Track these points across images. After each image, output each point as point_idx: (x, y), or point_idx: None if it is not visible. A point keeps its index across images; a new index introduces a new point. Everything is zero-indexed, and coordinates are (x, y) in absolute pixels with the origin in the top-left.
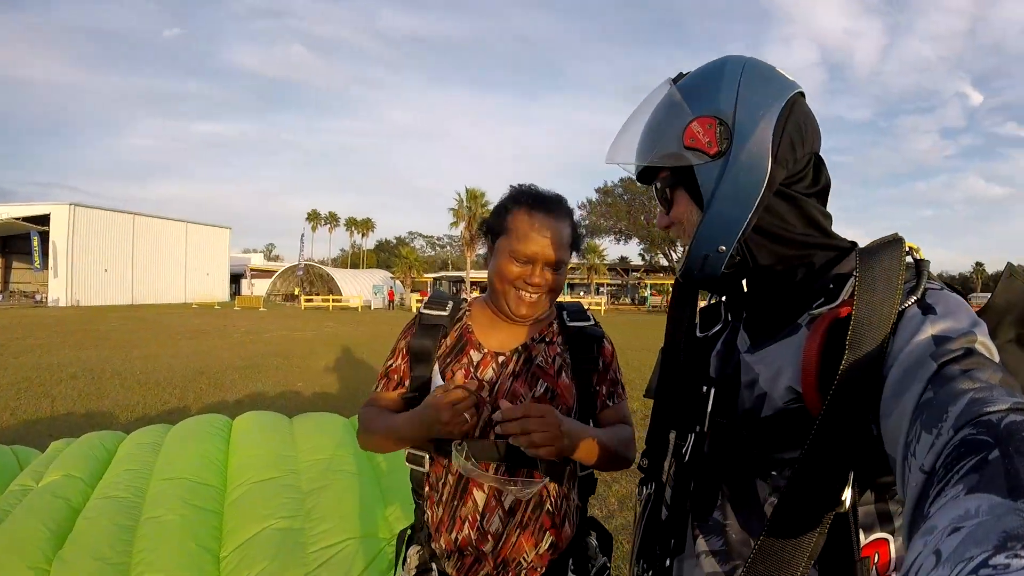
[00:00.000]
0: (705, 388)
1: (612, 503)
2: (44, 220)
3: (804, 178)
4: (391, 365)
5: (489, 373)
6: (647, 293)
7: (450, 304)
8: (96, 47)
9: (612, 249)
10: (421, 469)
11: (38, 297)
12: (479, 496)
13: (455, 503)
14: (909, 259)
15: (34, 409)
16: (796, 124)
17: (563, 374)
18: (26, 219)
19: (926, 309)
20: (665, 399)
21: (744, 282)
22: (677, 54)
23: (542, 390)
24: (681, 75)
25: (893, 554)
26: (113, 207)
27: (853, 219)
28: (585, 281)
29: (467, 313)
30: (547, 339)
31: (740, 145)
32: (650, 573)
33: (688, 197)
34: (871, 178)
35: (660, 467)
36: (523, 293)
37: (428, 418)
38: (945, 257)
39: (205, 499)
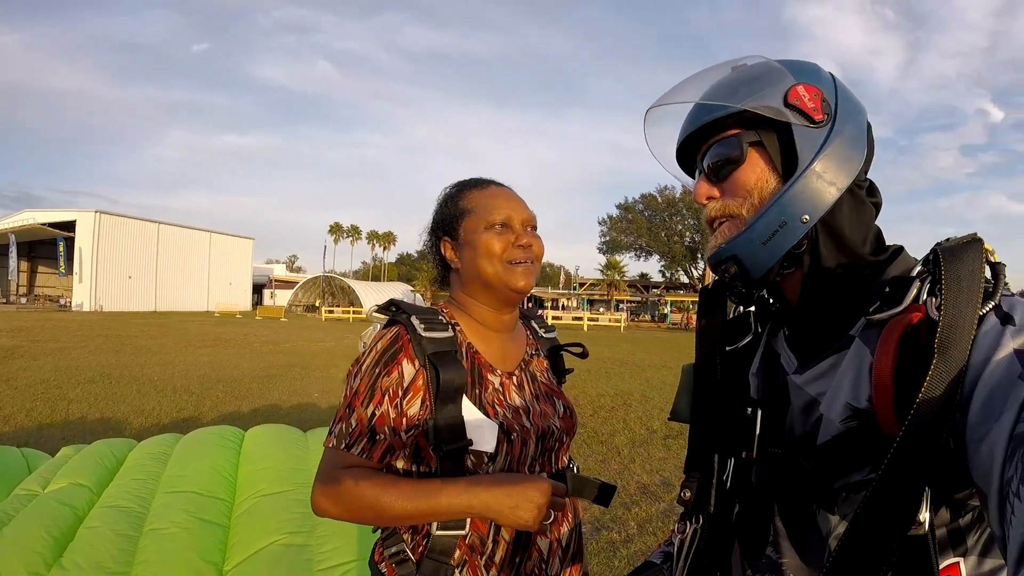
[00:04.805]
0: (749, 411)
1: (632, 526)
2: (70, 226)
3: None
4: (373, 414)
5: (516, 399)
6: (667, 310)
7: (443, 318)
8: (124, 59)
9: (632, 265)
10: (459, 533)
11: (62, 301)
12: (543, 544)
13: (518, 560)
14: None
15: (49, 411)
16: (872, 138)
17: (560, 388)
18: (52, 225)
19: (1004, 319)
20: (705, 422)
21: (776, 295)
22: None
23: (562, 409)
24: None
25: None
26: (138, 215)
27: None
28: (605, 297)
29: (458, 327)
30: (536, 352)
31: (844, 121)
32: None
33: (765, 162)
34: (891, 195)
35: (707, 498)
36: (517, 263)
37: (512, 504)
38: None
39: (212, 512)
